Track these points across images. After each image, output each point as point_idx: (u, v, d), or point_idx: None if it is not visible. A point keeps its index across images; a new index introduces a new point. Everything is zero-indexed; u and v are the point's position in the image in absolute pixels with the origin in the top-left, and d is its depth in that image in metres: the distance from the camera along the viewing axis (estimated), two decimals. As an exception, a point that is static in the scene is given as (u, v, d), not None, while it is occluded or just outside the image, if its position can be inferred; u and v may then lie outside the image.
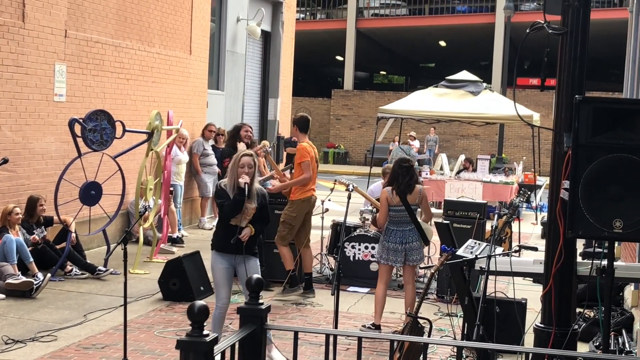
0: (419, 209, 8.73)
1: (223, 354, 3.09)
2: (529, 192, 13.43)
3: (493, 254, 6.14)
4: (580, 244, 11.18)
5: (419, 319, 6.67)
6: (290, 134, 18.52)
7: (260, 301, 3.42)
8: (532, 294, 9.09)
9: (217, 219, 15.05)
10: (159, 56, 14.01)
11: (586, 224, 4.98)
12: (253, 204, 7.05)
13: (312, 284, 10.06)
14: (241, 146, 12.81)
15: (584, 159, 4.99)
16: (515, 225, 13.42)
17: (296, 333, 3.60)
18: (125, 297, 6.90)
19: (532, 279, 10.22)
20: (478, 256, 6.42)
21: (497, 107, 16.43)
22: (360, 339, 3.54)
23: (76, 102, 11.67)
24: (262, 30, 18.82)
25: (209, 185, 14.66)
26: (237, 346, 3.22)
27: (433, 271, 7.09)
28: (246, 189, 6.92)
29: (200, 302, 3.00)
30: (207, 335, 2.91)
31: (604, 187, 4.97)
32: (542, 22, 5.69)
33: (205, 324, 2.99)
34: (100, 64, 12.26)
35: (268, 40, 20.46)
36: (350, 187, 8.61)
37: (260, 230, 7.32)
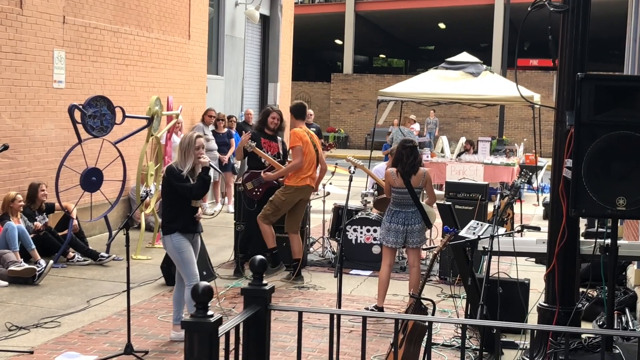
0: (424, 192, 8.71)
1: (228, 334, 3.08)
2: (530, 173, 13.36)
3: (496, 234, 6.12)
4: (582, 225, 11.19)
5: (422, 300, 6.66)
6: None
7: (264, 282, 3.41)
8: (534, 275, 9.10)
9: (217, 204, 15.05)
10: (158, 41, 13.96)
11: (589, 203, 4.97)
12: None
13: (301, 270, 9.93)
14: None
15: (587, 137, 4.98)
16: (516, 207, 13.42)
17: (300, 313, 3.60)
18: (128, 282, 6.90)
19: (534, 260, 10.25)
20: (481, 237, 6.41)
21: (498, 88, 16.39)
22: (364, 318, 3.53)
23: (75, 89, 11.64)
24: (261, 14, 18.75)
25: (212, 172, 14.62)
26: (241, 327, 3.21)
27: (435, 252, 7.08)
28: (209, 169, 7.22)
29: (204, 283, 2.99)
30: (212, 315, 2.90)
31: (606, 165, 4.96)
32: (544, 0, 5.66)
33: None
34: (99, 49, 12.22)
35: (267, 25, 20.40)
36: (352, 169, 8.58)
37: None
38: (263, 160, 9.94)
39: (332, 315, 3.55)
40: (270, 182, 9.97)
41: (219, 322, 2.91)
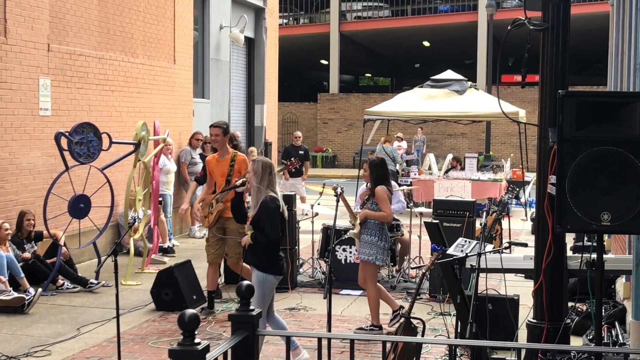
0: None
1: (216, 361, 3.09)
2: (517, 189, 13.44)
3: (483, 251, 6.15)
4: (570, 238, 11.23)
5: (412, 319, 6.67)
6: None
7: (251, 307, 3.42)
8: (524, 290, 9.11)
9: (206, 228, 15.05)
10: (143, 66, 14.00)
11: (574, 218, 5.00)
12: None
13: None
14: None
15: (570, 153, 5.01)
16: (505, 222, 13.46)
17: (288, 338, 3.60)
18: (117, 309, 6.88)
19: (524, 275, 10.28)
20: (468, 254, 6.43)
21: (483, 105, 16.46)
22: (352, 341, 3.54)
23: (62, 116, 11.64)
24: (246, 37, 18.83)
25: (197, 194, 14.62)
26: (229, 353, 3.22)
27: (424, 271, 7.10)
28: None
29: (190, 311, 3.00)
30: (199, 343, 2.91)
31: (590, 181, 5.00)
32: (523, 18, 5.72)
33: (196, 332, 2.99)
34: (85, 76, 12.24)
35: (252, 47, 20.49)
36: (339, 189, 8.61)
37: (256, 238, 7.20)
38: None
39: (319, 339, 3.56)
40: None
41: (206, 349, 2.91)
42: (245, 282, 3.46)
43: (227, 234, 9.29)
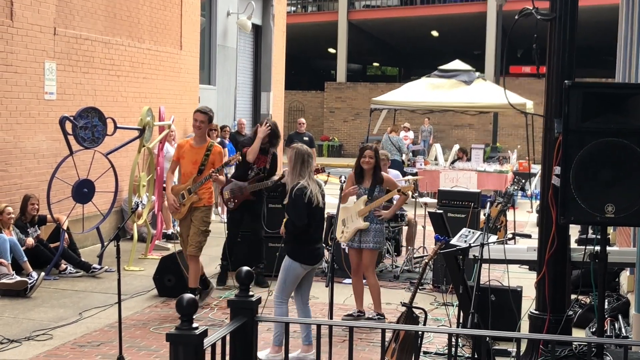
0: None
1: (214, 346, 3.07)
2: (523, 181, 13.41)
3: (486, 242, 6.12)
4: (575, 231, 11.19)
5: (414, 309, 6.65)
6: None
7: (250, 293, 3.40)
8: (528, 282, 9.09)
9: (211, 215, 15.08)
10: (149, 52, 13.97)
11: (578, 210, 4.97)
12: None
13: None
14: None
15: (575, 144, 4.98)
16: (510, 214, 13.42)
17: (287, 324, 3.59)
18: (119, 294, 6.86)
19: (528, 267, 10.25)
20: (471, 245, 6.40)
21: (490, 96, 16.42)
22: (351, 329, 3.52)
23: (67, 100, 11.63)
24: (253, 24, 18.78)
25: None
26: (228, 338, 3.20)
27: (427, 260, 7.07)
28: None
29: (188, 295, 2.98)
30: (197, 328, 2.89)
31: (595, 173, 4.96)
32: (531, 8, 5.67)
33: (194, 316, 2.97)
34: (90, 61, 12.22)
35: (259, 34, 20.43)
36: (342, 178, 8.55)
37: (286, 226, 7.20)
38: (249, 172, 9.88)
39: (318, 326, 3.55)
40: (247, 195, 9.87)
41: (204, 334, 2.90)
42: (245, 268, 3.44)
43: (192, 221, 8.82)
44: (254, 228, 10.09)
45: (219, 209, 15.47)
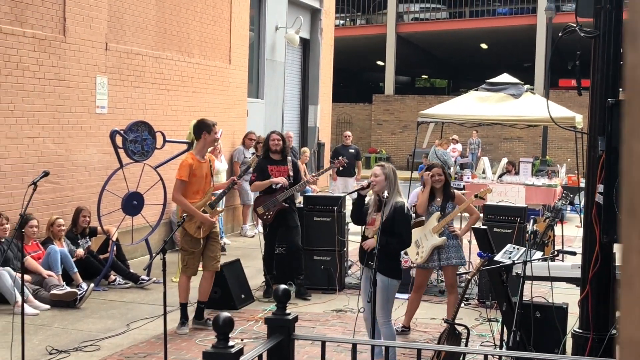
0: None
1: (251, 364, 3.13)
2: (571, 195, 13.26)
3: (529, 259, 6.10)
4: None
5: (456, 326, 6.64)
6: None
7: (287, 311, 3.45)
8: (575, 298, 8.98)
9: (257, 226, 15.18)
10: (199, 66, 14.16)
11: (621, 229, 4.93)
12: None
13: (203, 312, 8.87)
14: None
15: (618, 163, 4.94)
16: (558, 229, 13.29)
17: (323, 343, 3.63)
18: (165, 306, 6.97)
19: (575, 284, 10.14)
20: (515, 261, 6.38)
21: (539, 109, 16.22)
22: (387, 348, 3.55)
23: (118, 114, 11.85)
24: (301, 38, 18.90)
25: (250, 193, 14.74)
26: (264, 356, 3.25)
27: (470, 277, 7.06)
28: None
29: (225, 314, 3.04)
30: (232, 346, 2.95)
31: (638, 191, 4.92)
32: (574, 24, 5.66)
33: (230, 335, 3.03)
34: (141, 75, 12.44)
35: (307, 48, 20.54)
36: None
37: (389, 243, 6.84)
38: (273, 185, 9.96)
39: (354, 345, 3.58)
40: (280, 205, 9.94)
41: (240, 352, 2.95)
42: (282, 286, 3.49)
43: (211, 237, 8.69)
44: (291, 239, 10.15)
45: (254, 223, 15.56)
